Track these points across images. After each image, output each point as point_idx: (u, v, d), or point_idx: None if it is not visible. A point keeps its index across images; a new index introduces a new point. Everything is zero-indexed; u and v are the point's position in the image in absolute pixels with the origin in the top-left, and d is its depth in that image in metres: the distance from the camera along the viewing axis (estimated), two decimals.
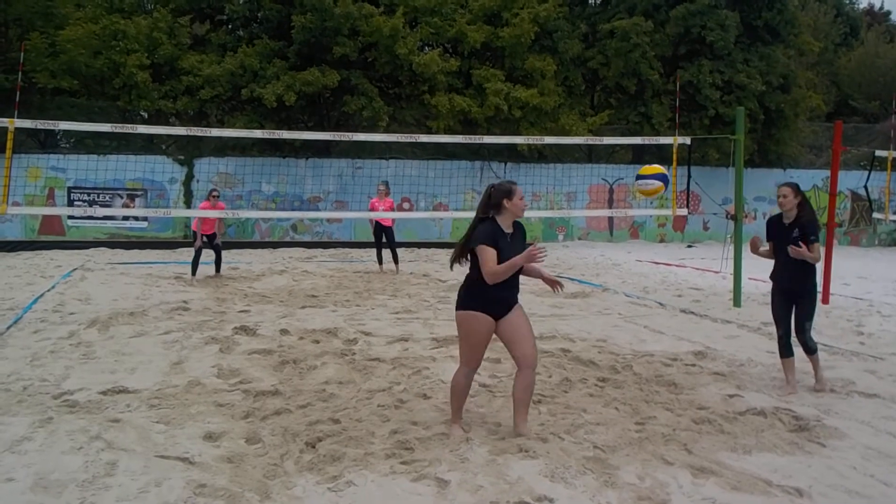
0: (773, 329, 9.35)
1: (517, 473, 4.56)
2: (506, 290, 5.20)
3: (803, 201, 6.62)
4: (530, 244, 5.21)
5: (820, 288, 11.74)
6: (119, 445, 4.93)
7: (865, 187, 12.50)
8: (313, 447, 4.99)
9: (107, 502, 4.10)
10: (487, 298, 5.16)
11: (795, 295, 6.65)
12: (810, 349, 6.65)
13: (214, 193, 13.29)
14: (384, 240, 14.91)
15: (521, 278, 5.27)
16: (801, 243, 6.41)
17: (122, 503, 4.09)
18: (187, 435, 5.18)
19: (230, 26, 24.42)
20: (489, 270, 5.05)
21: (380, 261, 15.20)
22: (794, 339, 6.68)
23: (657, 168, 4.79)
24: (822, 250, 11.60)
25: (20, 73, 12.58)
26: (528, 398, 5.29)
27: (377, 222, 14.82)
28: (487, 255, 5.08)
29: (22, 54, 12.57)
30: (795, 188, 6.64)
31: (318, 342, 8.32)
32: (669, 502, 4.19)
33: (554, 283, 5.49)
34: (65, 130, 21.97)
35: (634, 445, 5.10)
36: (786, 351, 6.70)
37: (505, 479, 4.48)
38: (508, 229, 5.25)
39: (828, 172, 25.25)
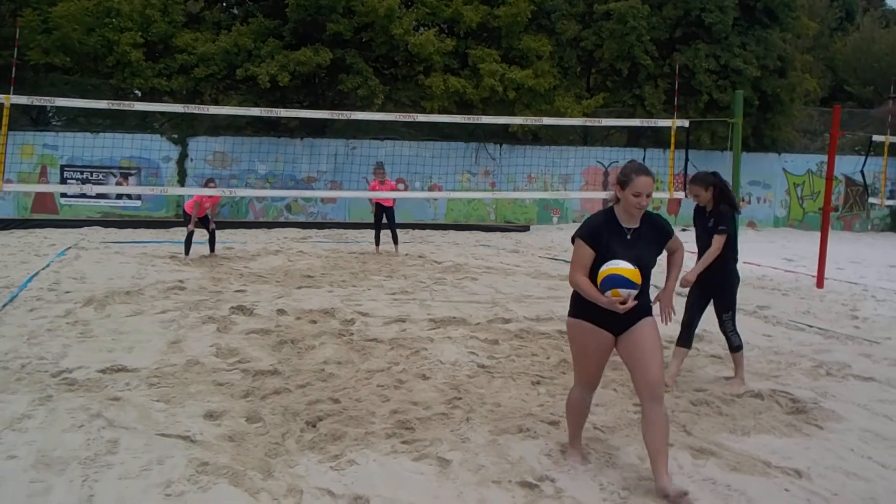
0: (769, 312, 9.48)
1: (518, 453, 4.59)
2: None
3: (717, 192, 6.17)
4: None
5: (815, 272, 11.87)
6: (120, 423, 4.93)
7: (862, 172, 12.53)
8: (314, 426, 5.00)
9: (110, 480, 4.10)
10: (599, 309, 4.13)
11: (712, 284, 6.24)
12: (732, 345, 6.29)
13: (212, 185, 13.28)
14: (384, 220, 14.94)
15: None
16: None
17: (125, 481, 4.09)
18: (188, 413, 5.18)
19: (224, 4, 24.22)
20: (571, 278, 4.23)
21: (377, 241, 15.20)
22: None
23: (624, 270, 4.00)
24: (818, 235, 11.68)
25: (16, 50, 12.43)
26: (661, 443, 4.08)
27: (377, 202, 14.86)
28: (576, 252, 4.19)
29: (17, 30, 12.41)
30: (704, 183, 6.20)
31: (315, 322, 8.32)
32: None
33: (664, 312, 4.44)
34: (57, 108, 21.80)
35: (634, 426, 5.12)
36: (680, 340, 6.37)
37: (506, 459, 4.50)
38: (629, 224, 4.19)
39: (822, 157, 25.33)
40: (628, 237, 4.15)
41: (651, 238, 4.22)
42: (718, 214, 6.13)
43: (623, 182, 4.14)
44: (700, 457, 4.60)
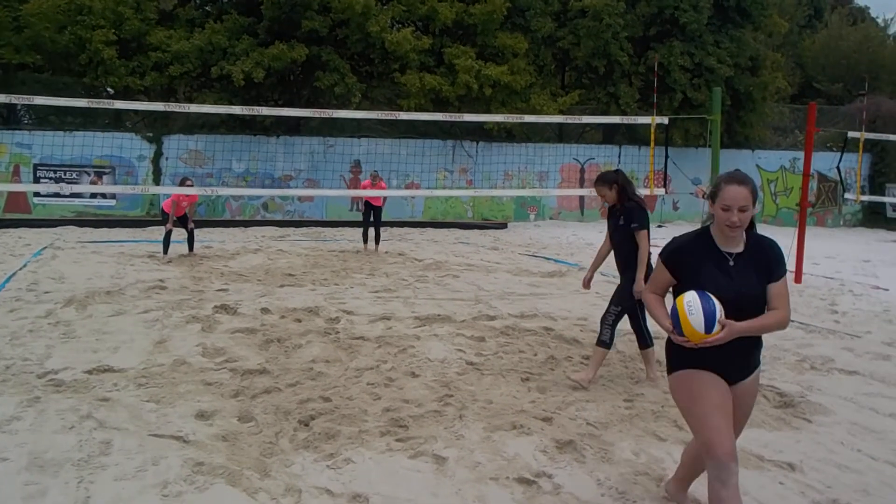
0: None
1: (514, 450, 4.60)
2: (737, 338, 3.27)
3: (622, 189, 6.09)
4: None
5: (792, 268, 12.00)
6: (111, 424, 4.88)
7: (838, 168, 12.69)
8: (307, 425, 4.98)
9: (105, 481, 4.05)
10: (704, 353, 3.31)
11: (621, 276, 6.16)
12: (599, 337, 6.04)
13: (189, 183, 13.18)
14: (372, 218, 15.07)
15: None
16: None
17: (121, 482, 4.05)
18: (179, 414, 5.14)
19: (198, 1, 23.99)
20: (644, 297, 3.65)
21: (365, 239, 15.23)
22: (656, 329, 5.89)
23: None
24: (792, 230, 11.82)
25: None
26: None
27: (367, 201, 15.05)
28: (655, 271, 3.55)
29: None
30: (606, 182, 6.13)
31: (300, 321, 8.27)
32: (666, 477, 4.24)
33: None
34: (29, 106, 21.51)
35: (626, 422, 5.17)
36: (641, 342, 6.29)
37: (502, 456, 4.51)
38: (730, 247, 3.37)
39: (794, 153, 25.66)
40: (730, 264, 3.35)
41: (754, 271, 3.36)
42: (628, 212, 6.03)
43: (713, 194, 3.37)
44: None
